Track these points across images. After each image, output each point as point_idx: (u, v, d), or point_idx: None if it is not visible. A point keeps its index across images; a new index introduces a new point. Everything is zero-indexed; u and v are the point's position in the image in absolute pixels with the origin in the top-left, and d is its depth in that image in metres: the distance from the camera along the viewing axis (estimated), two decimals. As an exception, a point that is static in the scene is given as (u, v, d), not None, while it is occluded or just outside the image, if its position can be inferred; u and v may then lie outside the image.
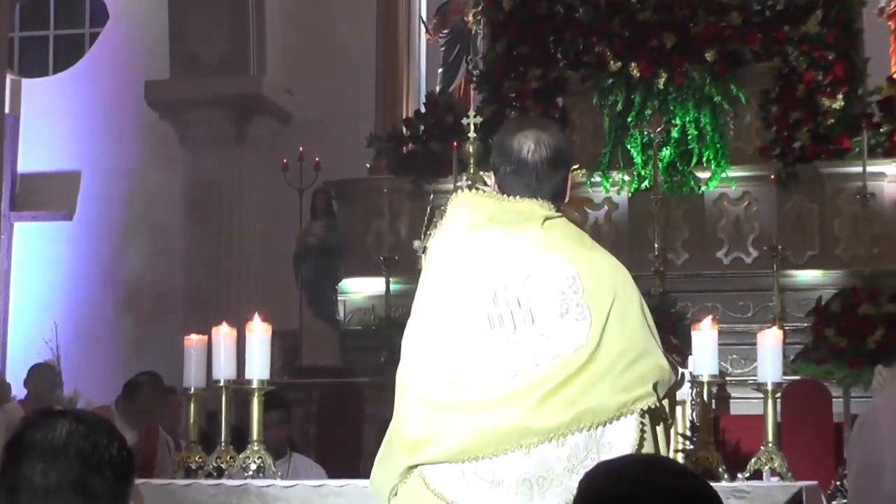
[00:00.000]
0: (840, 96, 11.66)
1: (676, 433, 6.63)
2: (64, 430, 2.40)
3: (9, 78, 12.60)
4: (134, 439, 8.27)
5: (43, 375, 10.91)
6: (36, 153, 15.95)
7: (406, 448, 3.65)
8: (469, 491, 3.59)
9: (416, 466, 3.62)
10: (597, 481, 2.27)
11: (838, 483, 6.01)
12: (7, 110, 11.74)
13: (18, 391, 10.85)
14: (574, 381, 3.62)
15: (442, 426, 3.62)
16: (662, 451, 3.75)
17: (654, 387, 3.68)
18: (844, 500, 5.56)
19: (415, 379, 3.71)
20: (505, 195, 3.85)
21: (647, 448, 3.67)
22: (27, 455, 2.38)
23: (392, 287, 11.47)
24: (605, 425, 3.62)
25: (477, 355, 3.67)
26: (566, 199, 3.99)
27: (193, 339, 6.06)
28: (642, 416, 3.65)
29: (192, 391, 6.00)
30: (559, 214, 3.88)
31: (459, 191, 3.98)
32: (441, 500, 3.61)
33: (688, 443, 6.18)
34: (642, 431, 3.66)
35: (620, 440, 3.62)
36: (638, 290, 3.87)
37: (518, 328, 3.69)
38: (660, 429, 3.75)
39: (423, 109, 13.04)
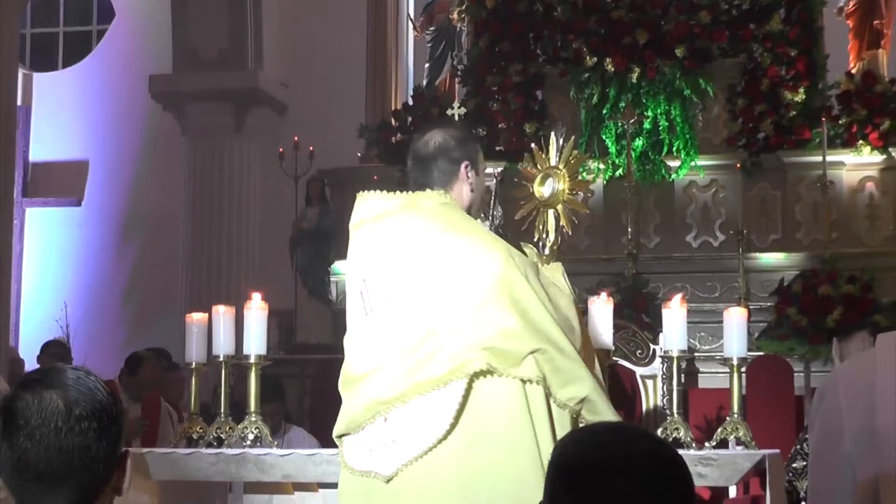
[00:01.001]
0: (801, 90, 11.67)
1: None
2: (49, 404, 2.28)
3: (21, 72, 12.54)
4: (137, 411, 8.28)
5: (54, 352, 10.90)
6: (46, 143, 15.92)
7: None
8: (359, 458, 3.91)
9: (339, 438, 3.98)
10: (566, 449, 2.26)
11: (798, 447, 6.02)
12: (19, 102, 11.67)
13: (31, 367, 10.83)
14: (414, 355, 3.84)
15: (344, 402, 3.97)
16: (538, 419, 3.83)
17: (508, 355, 3.81)
18: (804, 463, 5.58)
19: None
20: (405, 190, 4.07)
21: (515, 414, 3.82)
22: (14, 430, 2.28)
23: (382, 269, 11.44)
24: (439, 389, 3.81)
25: (357, 340, 3.98)
26: (466, 188, 4.09)
27: (195, 317, 6.07)
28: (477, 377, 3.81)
29: (193, 366, 6.00)
30: (443, 201, 3.99)
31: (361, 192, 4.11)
32: (345, 467, 3.95)
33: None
34: (526, 397, 3.82)
35: (448, 403, 3.81)
36: (518, 267, 3.90)
37: (377, 312, 3.93)
38: (538, 397, 3.84)
39: (410, 102, 13.02)
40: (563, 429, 3.84)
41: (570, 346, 3.87)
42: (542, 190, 4.62)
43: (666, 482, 2.19)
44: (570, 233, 4.66)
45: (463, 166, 4.09)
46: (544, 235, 4.58)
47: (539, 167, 4.67)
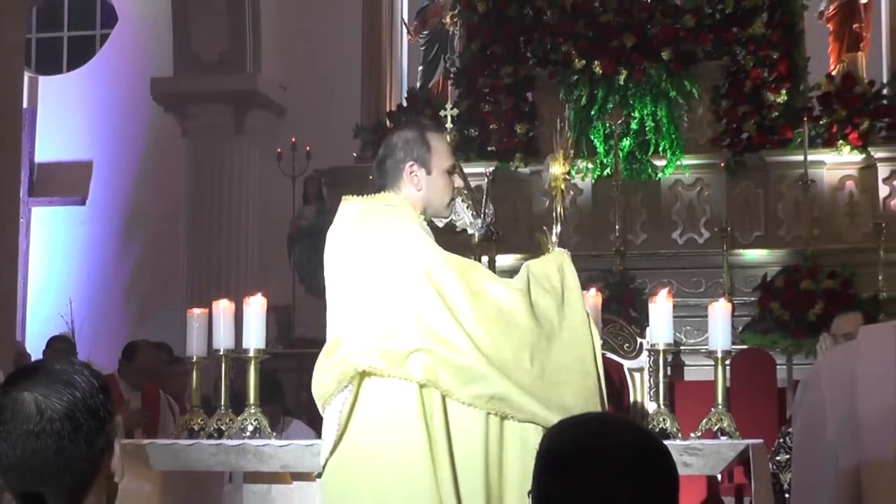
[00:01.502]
0: (783, 92, 11.68)
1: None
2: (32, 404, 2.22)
3: (27, 75, 12.51)
4: (137, 401, 8.25)
5: (59, 347, 10.87)
6: (51, 144, 15.88)
7: None
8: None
9: None
10: (553, 440, 2.26)
11: (781, 440, 6.01)
12: (25, 105, 11.64)
13: (36, 361, 10.80)
14: (332, 357, 3.96)
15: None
16: (435, 426, 3.79)
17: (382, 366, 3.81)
18: (787, 456, 5.57)
19: None
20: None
21: (407, 420, 3.78)
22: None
23: (377, 265, 11.43)
24: (339, 393, 3.90)
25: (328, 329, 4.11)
26: (412, 189, 4.12)
27: (196, 312, 6.05)
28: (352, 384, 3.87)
29: (194, 359, 5.98)
30: (388, 202, 4.11)
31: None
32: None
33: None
34: (423, 403, 3.78)
35: (340, 407, 3.89)
36: (425, 266, 3.87)
37: (333, 304, 4.09)
38: (436, 402, 3.79)
39: (405, 103, 13.01)
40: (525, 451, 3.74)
41: (470, 345, 3.74)
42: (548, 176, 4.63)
43: (652, 472, 2.19)
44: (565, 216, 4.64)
45: (406, 166, 4.10)
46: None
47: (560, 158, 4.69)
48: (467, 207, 5.91)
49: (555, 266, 4.12)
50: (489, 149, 11.95)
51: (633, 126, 11.67)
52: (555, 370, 3.87)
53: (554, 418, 3.33)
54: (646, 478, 2.17)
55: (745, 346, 10.13)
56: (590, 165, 11.68)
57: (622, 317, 8.56)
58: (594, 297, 5.34)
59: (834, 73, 11.95)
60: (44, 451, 2.20)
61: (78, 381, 2.26)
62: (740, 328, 10.53)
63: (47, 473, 2.22)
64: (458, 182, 4.28)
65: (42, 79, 16.21)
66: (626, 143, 11.61)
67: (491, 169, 11.36)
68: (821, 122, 11.58)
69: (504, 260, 9.87)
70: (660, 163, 11.67)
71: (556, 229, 4.54)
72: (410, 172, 4.10)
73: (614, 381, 7.76)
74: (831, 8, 12.17)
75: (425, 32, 13.64)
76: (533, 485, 2.24)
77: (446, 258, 3.91)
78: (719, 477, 6.87)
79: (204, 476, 5.84)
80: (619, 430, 2.24)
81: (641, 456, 2.19)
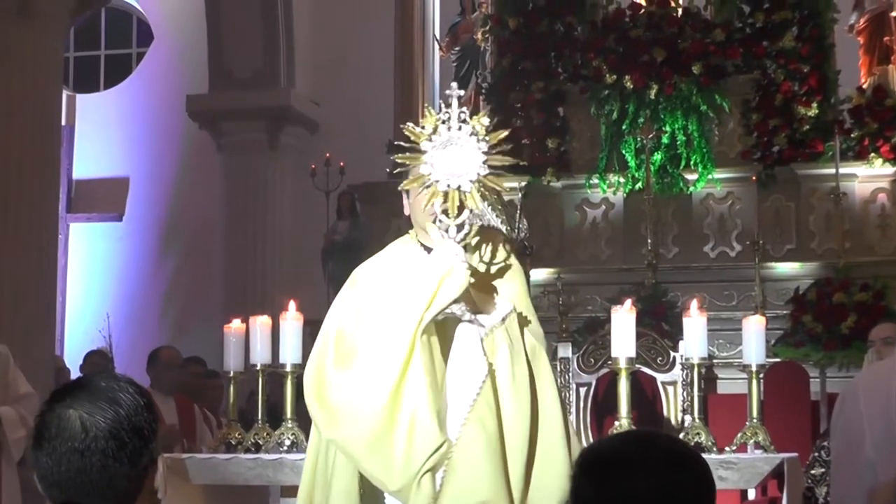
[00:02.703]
0: (814, 105, 11.62)
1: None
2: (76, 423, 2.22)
3: (65, 93, 12.59)
4: (169, 410, 8.26)
5: (95, 362, 10.92)
6: (89, 161, 15.98)
7: None
8: None
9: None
10: (592, 446, 2.36)
11: (815, 454, 5.98)
12: (63, 122, 11.71)
13: (76, 376, 10.84)
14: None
15: None
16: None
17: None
18: (822, 469, 5.54)
19: None
20: None
21: None
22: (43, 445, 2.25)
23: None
24: None
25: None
26: (406, 210, 4.40)
27: (233, 327, 6.07)
28: None
29: (231, 374, 6.00)
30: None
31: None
32: None
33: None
34: None
35: None
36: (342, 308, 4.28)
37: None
38: None
39: (437, 119, 13.00)
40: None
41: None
42: (433, 164, 4.17)
43: (683, 475, 2.23)
44: (478, 213, 4.27)
45: (404, 197, 4.31)
46: (442, 219, 4.17)
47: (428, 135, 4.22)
48: (501, 222, 5.91)
49: None
50: (521, 164, 11.93)
51: (665, 140, 11.63)
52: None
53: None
54: (675, 479, 2.20)
55: (777, 360, 10.06)
56: (621, 179, 11.65)
57: (655, 330, 8.53)
58: (629, 310, 5.32)
59: (864, 85, 11.89)
60: (89, 470, 2.21)
61: (122, 398, 2.27)
62: (773, 341, 10.46)
63: (91, 491, 2.22)
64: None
65: (80, 97, 16.32)
66: (658, 157, 11.57)
67: (523, 184, 11.42)
68: (852, 135, 11.52)
69: (537, 274, 9.87)
70: (691, 176, 11.62)
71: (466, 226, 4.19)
72: (405, 202, 4.23)
73: (647, 394, 7.73)
74: (861, 21, 12.11)
75: (457, 48, 13.66)
76: (571, 488, 2.29)
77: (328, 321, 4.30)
78: (752, 491, 6.83)
79: (242, 490, 5.85)
80: (655, 437, 2.31)
81: (672, 458, 2.24)
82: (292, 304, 5.73)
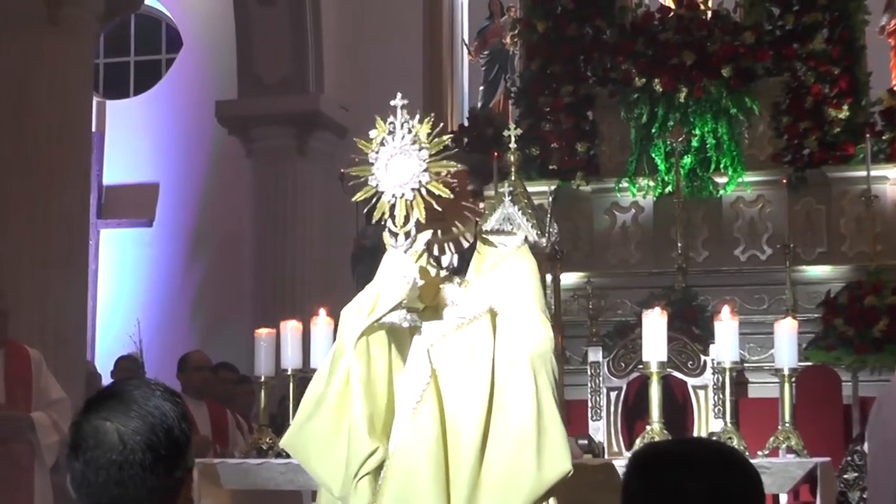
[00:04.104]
0: (845, 107, 11.56)
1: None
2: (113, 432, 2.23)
3: (95, 100, 12.65)
4: (201, 414, 8.30)
5: (126, 367, 10.99)
6: (119, 167, 16.06)
7: None
8: None
9: None
10: (646, 445, 2.45)
11: (848, 458, 5.95)
12: (93, 129, 11.78)
13: (107, 381, 10.90)
14: None
15: None
16: None
17: None
18: (855, 474, 5.51)
19: None
20: None
21: None
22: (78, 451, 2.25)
23: (440, 283, 11.43)
24: None
25: None
26: None
27: (263, 332, 6.09)
28: None
29: (262, 379, 6.02)
30: None
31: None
32: None
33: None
34: None
35: None
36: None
37: None
38: None
39: (466, 123, 13.03)
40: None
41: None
42: (386, 171, 4.19)
43: (730, 473, 2.27)
44: (423, 221, 4.18)
45: None
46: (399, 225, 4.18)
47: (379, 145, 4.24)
48: (532, 227, 5.91)
49: None
50: (550, 168, 11.94)
51: (694, 143, 11.60)
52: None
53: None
54: (725, 479, 2.25)
55: (809, 363, 10.02)
56: (651, 183, 11.63)
57: (685, 334, 8.50)
58: (659, 315, 5.31)
59: (896, 87, 11.84)
60: (126, 482, 2.21)
61: (158, 408, 2.26)
62: (804, 345, 10.41)
63: (129, 503, 2.23)
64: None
65: (110, 103, 16.40)
66: (687, 160, 11.54)
67: (553, 188, 11.41)
68: (883, 138, 11.45)
69: (567, 278, 9.86)
70: (721, 180, 11.59)
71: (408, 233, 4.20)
72: None
73: (678, 398, 7.71)
74: (892, 23, 12.05)
75: (486, 52, 13.67)
76: (623, 485, 2.34)
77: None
78: (783, 496, 6.79)
79: (273, 494, 5.87)
80: (705, 441, 2.46)
81: (720, 457, 2.29)
82: (322, 310, 5.75)
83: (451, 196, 4.13)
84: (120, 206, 16.04)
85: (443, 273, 4.27)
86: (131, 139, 16.09)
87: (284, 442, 4.39)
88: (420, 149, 4.12)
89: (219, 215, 15.62)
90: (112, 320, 15.30)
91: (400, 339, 4.17)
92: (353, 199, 4.24)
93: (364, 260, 12.73)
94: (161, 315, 15.44)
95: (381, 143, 4.17)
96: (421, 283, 4.06)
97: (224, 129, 15.35)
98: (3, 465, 7.20)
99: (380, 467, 4.00)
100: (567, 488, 4.12)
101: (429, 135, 4.20)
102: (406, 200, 4.07)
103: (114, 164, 16.03)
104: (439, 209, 4.04)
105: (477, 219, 4.45)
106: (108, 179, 16.11)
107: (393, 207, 4.10)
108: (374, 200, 4.19)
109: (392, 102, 4.26)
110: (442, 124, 4.35)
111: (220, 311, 15.23)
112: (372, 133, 4.21)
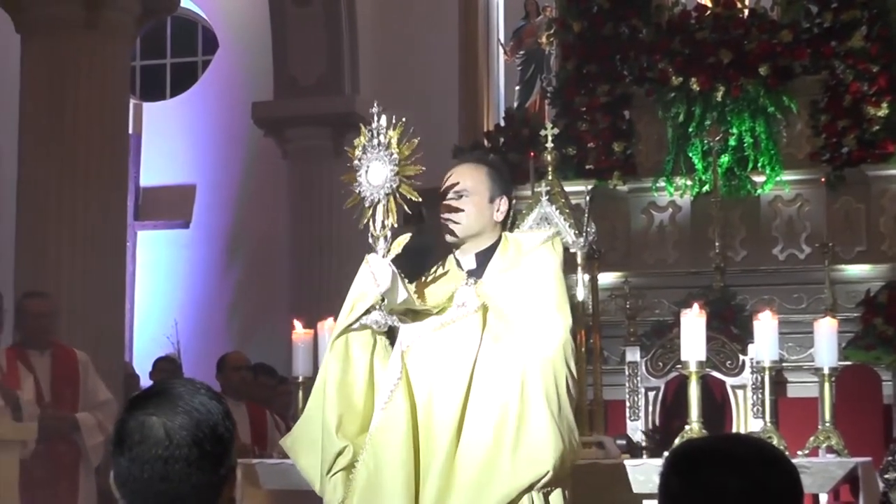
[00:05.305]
0: (884, 105, 11.49)
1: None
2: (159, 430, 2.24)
3: (131, 102, 12.75)
4: (241, 414, 8.35)
5: (164, 368, 11.05)
6: (156, 169, 16.15)
7: None
8: None
9: None
10: (685, 443, 2.46)
11: (890, 458, 5.92)
12: (130, 131, 11.86)
13: (145, 382, 10.97)
14: None
15: None
16: None
17: None
18: (896, 475, 5.49)
19: None
20: None
21: None
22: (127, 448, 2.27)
23: (475, 283, 11.44)
24: None
25: None
26: None
27: (301, 333, 6.11)
28: None
29: (300, 380, 6.04)
30: None
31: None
32: None
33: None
34: None
35: None
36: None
37: None
38: None
39: (502, 123, 13.03)
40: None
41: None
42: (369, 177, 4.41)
43: (769, 471, 2.26)
44: (396, 225, 4.44)
45: None
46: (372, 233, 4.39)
47: (364, 151, 4.44)
48: (569, 227, 5.92)
49: None
50: (587, 167, 11.92)
51: (732, 142, 11.56)
52: None
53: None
54: (762, 475, 2.23)
55: (848, 363, 9.96)
56: (688, 182, 11.60)
57: (724, 334, 8.49)
58: (698, 314, 5.30)
59: (935, 85, 11.75)
60: (171, 477, 2.22)
61: (203, 405, 2.28)
62: (843, 344, 10.35)
63: (173, 499, 2.23)
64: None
65: (146, 105, 16.50)
66: (725, 159, 11.50)
67: (589, 187, 11.40)
68: (923, 136, 11.39)
69: (605, 278, 9.84)
70: (759, 179, 11.54)
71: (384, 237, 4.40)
72: None
73: (716, 398, 7.70)
74: (932, 20, 11.97)
75: (521, 52, 13.66)
76: (659, 484, 2.34)
77: None
78: (824, 496, 6.76)
79: (312, 495, 5.89)
80: (743, 437, 2.44)
81: (759, 455, 2.28)
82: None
83: (418, 200, 4.26)
84: (157, 208, 16.14)
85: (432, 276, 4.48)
86: (168, 141, 16.19)
87: (282, 441, 4.68)
88: (391, 154, 4.13)
89: (255, 216, 15.70)
90: (149, 321, 15.39)
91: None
92: (344, 206, 4.37)
93: (401, 259, 12.78)
94: (198, 316, 15.53)
95: (364, 151, 4.20)
96: (394, 285, 4.18)
97: (260, 130, 15.43)
98: (46, 464, 7.27)
99: (354, 464, 4.17)
100: (577, 484, 4.18)
101: (399, 139, 4.28)
102: (383, 205, 4.17)
103: (150, 166, 16.12)
104: (410, 212, 4.18)
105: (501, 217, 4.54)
106: (144, 181, 16.21)
107: (373, 212, 4.22)
108: (367, 206, 4.29)
109: (371, 110, 4.35)
110: (413, 128, 4.45)
111: (257, 311, 15.29)
112: (356, 140, 4.34)
